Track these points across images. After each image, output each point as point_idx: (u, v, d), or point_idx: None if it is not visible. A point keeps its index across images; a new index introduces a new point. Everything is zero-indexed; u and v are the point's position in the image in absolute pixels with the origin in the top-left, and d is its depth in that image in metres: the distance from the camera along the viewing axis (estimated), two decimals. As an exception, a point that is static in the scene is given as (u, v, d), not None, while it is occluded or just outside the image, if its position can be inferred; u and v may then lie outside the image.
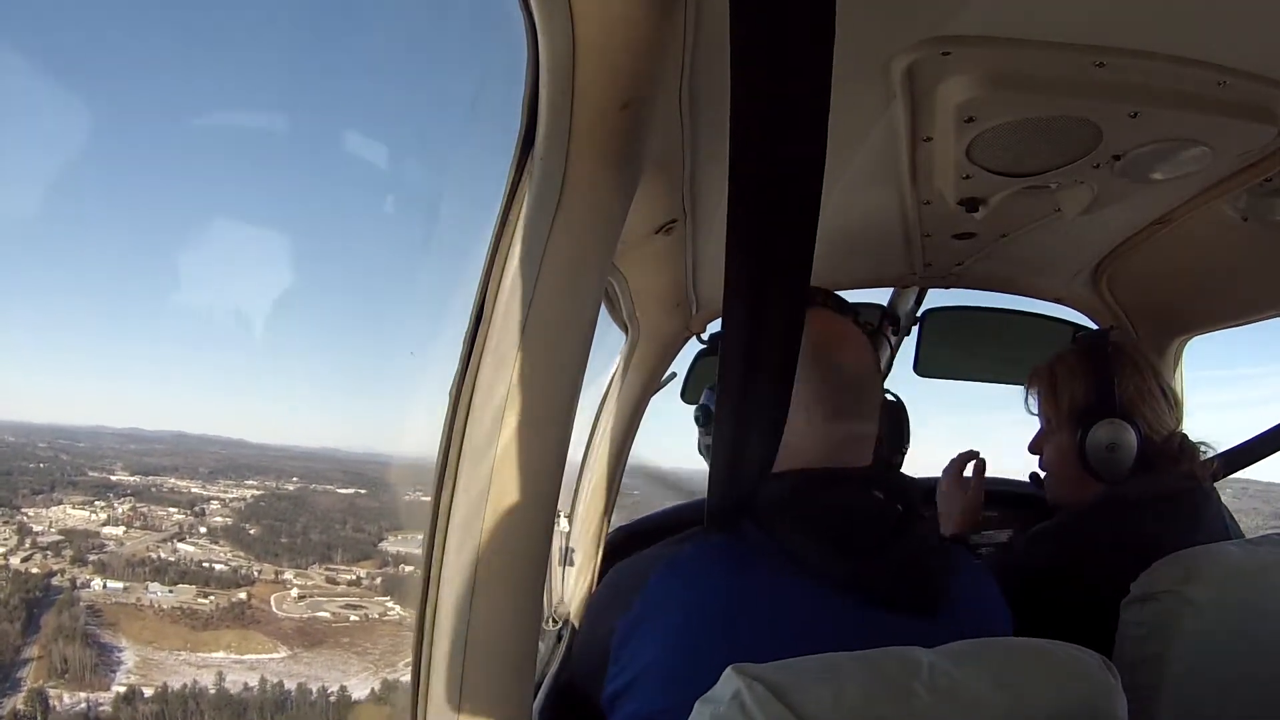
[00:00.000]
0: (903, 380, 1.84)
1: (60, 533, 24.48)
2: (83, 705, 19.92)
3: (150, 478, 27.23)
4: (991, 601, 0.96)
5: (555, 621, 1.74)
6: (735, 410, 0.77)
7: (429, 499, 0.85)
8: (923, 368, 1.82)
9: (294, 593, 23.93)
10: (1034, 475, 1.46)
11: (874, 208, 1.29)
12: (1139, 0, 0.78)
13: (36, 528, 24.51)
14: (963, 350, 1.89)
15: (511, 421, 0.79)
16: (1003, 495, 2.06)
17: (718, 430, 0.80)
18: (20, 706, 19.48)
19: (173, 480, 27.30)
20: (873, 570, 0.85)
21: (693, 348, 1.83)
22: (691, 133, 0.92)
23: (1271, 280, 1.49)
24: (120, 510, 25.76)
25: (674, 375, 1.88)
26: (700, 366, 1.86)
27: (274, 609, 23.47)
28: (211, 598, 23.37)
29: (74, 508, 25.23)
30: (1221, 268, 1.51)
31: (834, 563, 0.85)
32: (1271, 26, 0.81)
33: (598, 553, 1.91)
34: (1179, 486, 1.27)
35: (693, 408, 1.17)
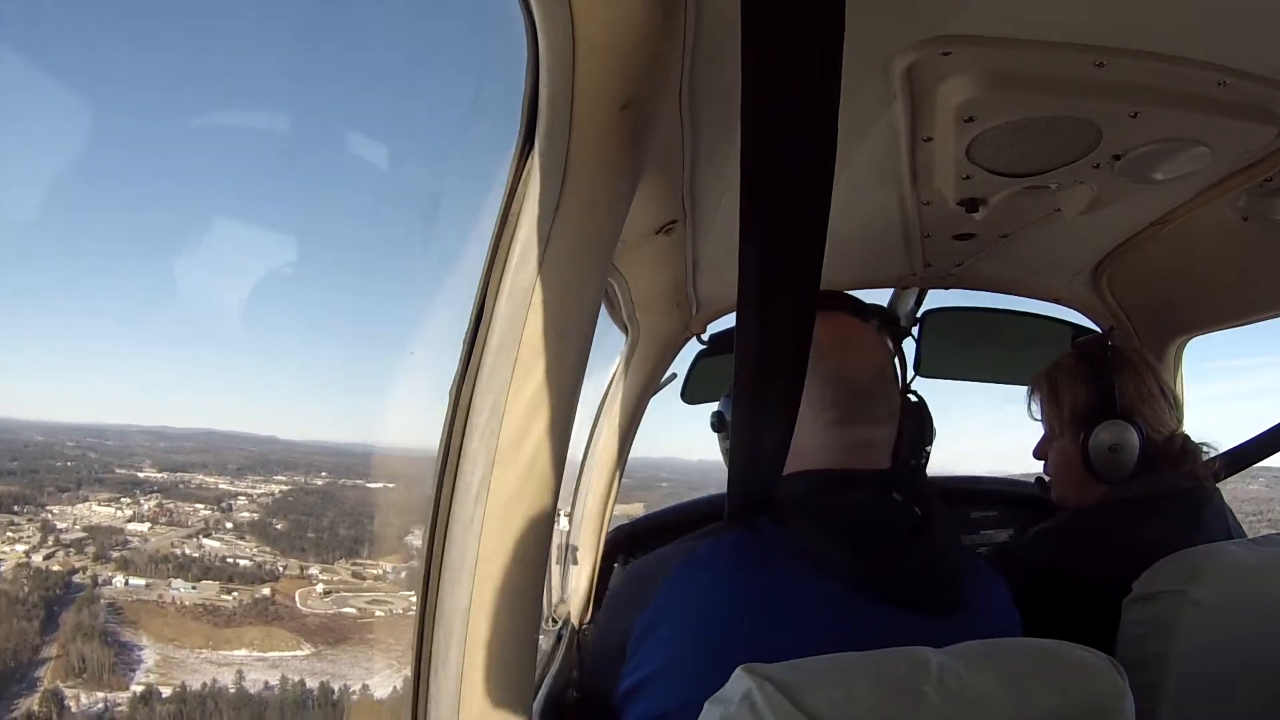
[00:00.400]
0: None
1: (84, 529, 24.28)
2: (100, 706, 19.67)
3: (178, 474, 27.01)
4: (1004, 604, 0.97)
5: (555, 621, 1.74)
6: (750, 413, 0.77)
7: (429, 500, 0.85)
8: (923, 368, 1.81)
9: (319, 588, 23.54)
10: (1040, 479, 1.47)
11: (874, 208, 1.29)
12: (1139, 0, 0.78)
13: (60, 525, 24.31)
14: (963, 350, 1.89)
15: (511, 421, 0.79)
16: (1003, 495, 2.07)
17: (735, 433, 0.80)
18: (35, 708, 19.21)
19: (200, 477, 27.11)
20: (889, 570, 0.86)
21: (693, 348, 1.83)
22: (691, 133, 0.92)
23: (1271, 280, 1.49)
24: (146, 507, 25.61)
25: (674, 375, 1.87)
26: (700, 366, 1.86)
27: (298, 605, 23.17)
28: (235, 594, 23.05)
29: (99, 504, 25.06)
30: (1221, 268, 1.51)
31: (851, 562, 0.85)
32: (1271, 27, 0.81)
33: (598, 552, 1.91)
34: (1181, 486, 1.28)
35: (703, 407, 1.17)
